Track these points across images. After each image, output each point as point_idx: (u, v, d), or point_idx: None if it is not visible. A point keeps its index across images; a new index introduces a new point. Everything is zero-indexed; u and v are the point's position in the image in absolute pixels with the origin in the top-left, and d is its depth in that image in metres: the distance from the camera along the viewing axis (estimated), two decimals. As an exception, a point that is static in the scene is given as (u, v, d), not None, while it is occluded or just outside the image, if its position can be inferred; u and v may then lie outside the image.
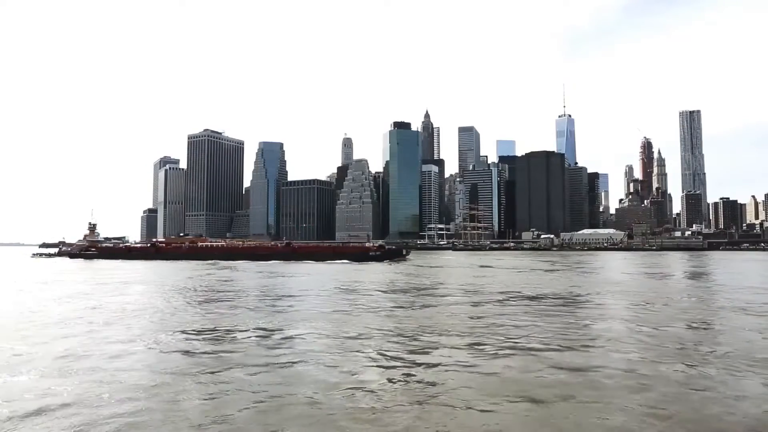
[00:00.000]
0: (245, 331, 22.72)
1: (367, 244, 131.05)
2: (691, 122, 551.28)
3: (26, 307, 32.10)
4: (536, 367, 15.74)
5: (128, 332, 22.13)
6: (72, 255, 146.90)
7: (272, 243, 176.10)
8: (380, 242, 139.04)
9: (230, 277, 60.75)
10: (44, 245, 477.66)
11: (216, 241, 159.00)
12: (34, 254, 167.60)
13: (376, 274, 66.80)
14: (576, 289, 43.71)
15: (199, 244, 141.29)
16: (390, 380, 14.38)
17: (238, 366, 15.99)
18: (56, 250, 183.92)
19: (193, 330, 22.95)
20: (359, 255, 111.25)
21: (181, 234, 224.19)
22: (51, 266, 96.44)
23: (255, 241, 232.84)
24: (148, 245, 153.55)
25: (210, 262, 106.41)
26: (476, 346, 18.90)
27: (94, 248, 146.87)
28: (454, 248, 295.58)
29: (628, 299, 36.13)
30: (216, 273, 68.99)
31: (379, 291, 42.74)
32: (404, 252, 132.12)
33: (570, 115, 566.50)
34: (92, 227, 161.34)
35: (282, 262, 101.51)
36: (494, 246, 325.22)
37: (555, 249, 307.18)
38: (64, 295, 39.19)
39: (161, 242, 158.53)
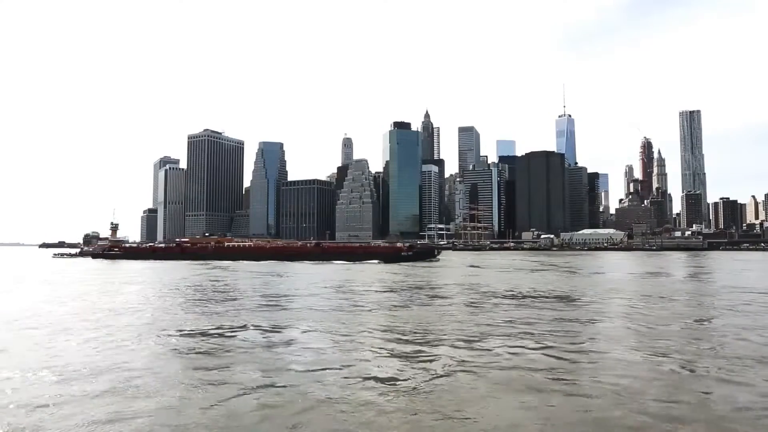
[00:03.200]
0: (278, 330, 22.74)
1: (398, 244, 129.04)
2: (691, 122, 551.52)
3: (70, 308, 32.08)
4: (526, 366, 15.76)
5: (167, 329, 22.15)
6: (95, 255, 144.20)
7: (301, 243, 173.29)
8: (409, 242, 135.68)
9: (260, 278, 59.47)
10: (44, 245, 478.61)
11: (242, 241, 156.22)
12: (55, 254, 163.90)
13: (407, 275, 65.49)
14: (558, 289, 43.75)
15: (226, 244, 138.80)
16: (395, 377, 14.40)
17: (250, 363, 16.03)
18: (77, 250, 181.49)
19: (220, 330, 22.98)
20: (391, 255, 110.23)
21: (206, 234, 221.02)
22: (78, 266, 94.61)
23: (282, 240, 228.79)
24: (173, 245, 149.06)
25: (236, 262, 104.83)
26: (476, 344, 18.94)
27: (117, 248, 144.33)
28: (454, 248, 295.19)
29: (601, 298, 36.13)
30: (244, 273, 67.59)
31: (414, 291, 42.64)
32: (436, 252, 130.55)
33: (570, 115, 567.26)
34: (114, 227, 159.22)
35: (311, 263, 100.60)
36: (494, 246, 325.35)
37: (555, 249, 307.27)
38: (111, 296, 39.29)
39: (186, 242, 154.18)
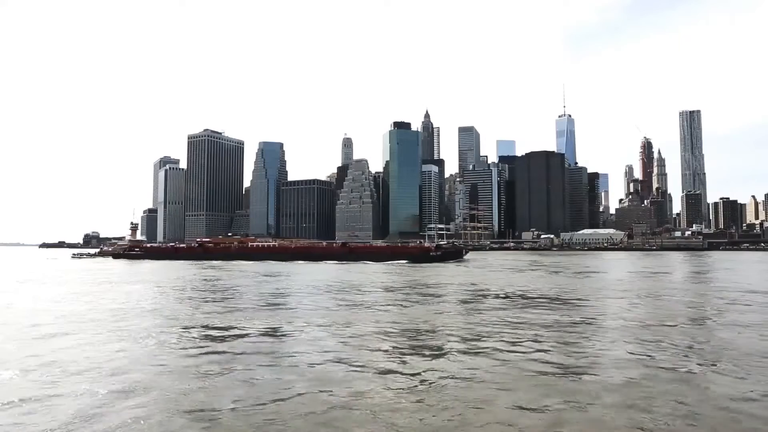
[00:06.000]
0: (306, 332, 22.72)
1: (425, 244, 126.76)
2: (691, 122, 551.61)
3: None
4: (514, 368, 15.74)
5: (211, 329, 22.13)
6: (116, 255, 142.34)
7: (326, 243, 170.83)
8: (437, 242, 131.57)
9: (288, 278, 58.37)
10: (44, 245, 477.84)
11: (266, 241, 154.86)
12: (74, 255, 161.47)
13: (434, 275, 64.65)
14: (555, 290, 43.75)
15: (249, 244, 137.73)
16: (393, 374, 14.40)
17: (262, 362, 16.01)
18: (96, 250, 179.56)
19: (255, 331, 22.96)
20: (419, 255, 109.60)
21: (229, 234, 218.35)
22: (102, 266, 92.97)
23: (307, 240, 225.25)
24: (196, 245, 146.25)
25: (261, 262, 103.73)
26: (473, 343, 18.96)
27: (138, 248, 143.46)
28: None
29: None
30: (270, 274, 66.46)
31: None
32: (464, 252, 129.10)
33: (570, 115, 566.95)
34: (134, 227, 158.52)
35: (338, 263, 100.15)
36: (494, 246, 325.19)
37: (555, 249, 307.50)
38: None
39: (209, 242, 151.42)
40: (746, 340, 20.54)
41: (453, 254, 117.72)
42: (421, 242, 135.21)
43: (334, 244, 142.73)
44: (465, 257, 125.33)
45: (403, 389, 13.68)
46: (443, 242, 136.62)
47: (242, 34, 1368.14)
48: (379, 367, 16.03)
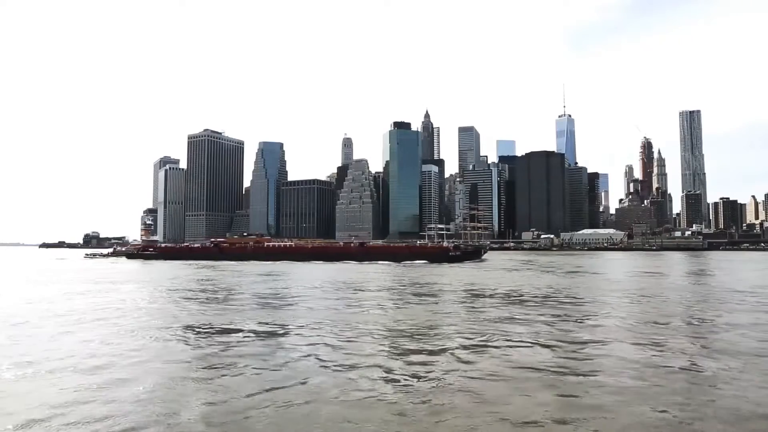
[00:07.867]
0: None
1: (444, 244, 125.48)
2: (691, 122, 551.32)
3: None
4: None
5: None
6: (129, 255, 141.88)
7: (343, 243, 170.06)
8: (453, 242, 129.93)
9: (309, 278, 57.92)
10: (44, 245, 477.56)
11: (282, 241, 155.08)
12: (86, 255, 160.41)
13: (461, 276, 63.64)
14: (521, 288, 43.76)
15: (265, 243, 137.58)
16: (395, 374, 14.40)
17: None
18: (109, 250, 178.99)
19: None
20: (438, 255, 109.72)
21: (244, 234, 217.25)
22: (121, 267, 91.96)
23: (323, 240, 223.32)
24: (210, 245, 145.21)
25: (277, 262, 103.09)
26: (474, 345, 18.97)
27: (152, 248, 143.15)
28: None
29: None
30: (286, 274, 65.87)
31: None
32: (482, 252, 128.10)
33: (570, 115, 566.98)
34: (147, 227, 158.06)
35: (356, 263, 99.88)
36: (494, 246, 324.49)
37: (555, 249, 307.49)
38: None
39: (224, 242, 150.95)
40: (745, 339, 20.56)
41: (472, 254, 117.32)
42: (440, 242, 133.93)
43: (352, 244, 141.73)
44: (483, 257, 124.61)
45: (403, 390, 13.68)
46: (443, 242, 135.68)
47: (242, 34, 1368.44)
48: (385, 367, 16.03)
